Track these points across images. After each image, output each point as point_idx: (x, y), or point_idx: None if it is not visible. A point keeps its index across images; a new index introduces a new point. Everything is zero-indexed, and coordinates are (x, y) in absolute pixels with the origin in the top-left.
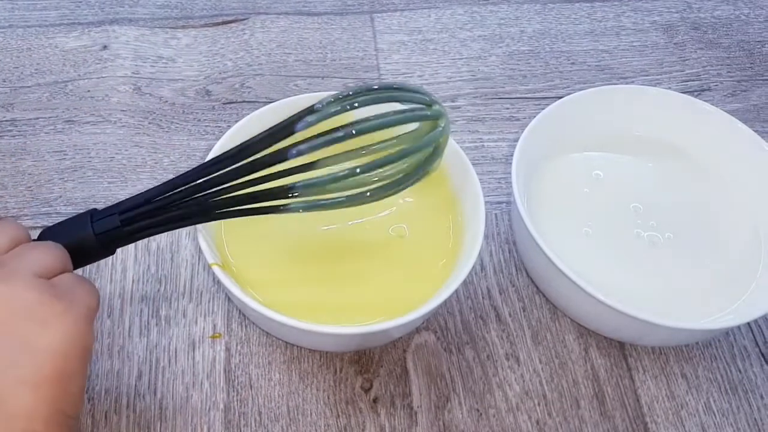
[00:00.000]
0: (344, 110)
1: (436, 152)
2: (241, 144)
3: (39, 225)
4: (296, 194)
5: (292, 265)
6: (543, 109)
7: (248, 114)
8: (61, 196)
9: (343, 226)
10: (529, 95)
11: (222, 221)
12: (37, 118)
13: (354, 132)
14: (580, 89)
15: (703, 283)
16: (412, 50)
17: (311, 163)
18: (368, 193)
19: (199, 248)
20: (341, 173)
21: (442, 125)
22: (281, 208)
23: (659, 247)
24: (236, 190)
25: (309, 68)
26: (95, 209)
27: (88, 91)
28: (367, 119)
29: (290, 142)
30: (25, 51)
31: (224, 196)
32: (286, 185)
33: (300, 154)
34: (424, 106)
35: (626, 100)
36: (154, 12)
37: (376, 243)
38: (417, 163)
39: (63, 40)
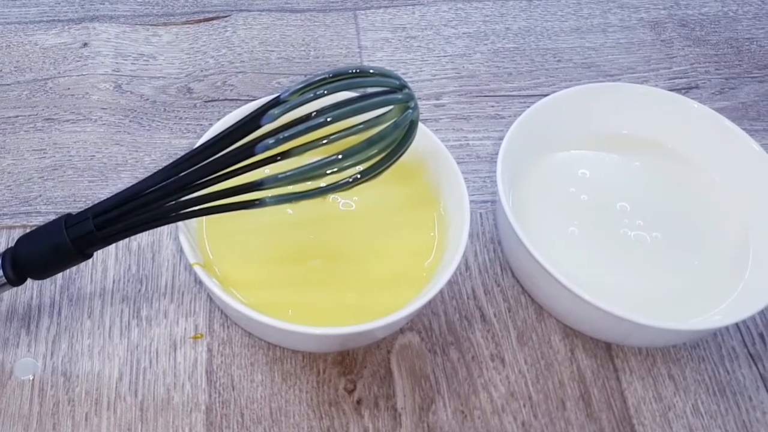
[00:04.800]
0: (312, 99)
1: (410, 132)
2: (206, 142)
3: (19, 225)
4: (267, 188)
5: (275, 265)
6: (528, 107)
7: (230, 112)
8: (41, 195)
9: (327, 225)
10: (514, 93)
11: (203, 220)
12: (17, 116)
13: (329, 120)
14: (566, 87)
15: (691, 283)
16: (396, 47)
17: (285, 152)
18: (346, 181)
19: (181, 248)
20: (313, 165)
21: (412, 106)
22: (256, 202)
23: (646, 247)
24: (207, 187)
25: (292, 66)
26: (70, 214)
27: (69, 88)
28: (337, 105)
29: (260, 134)
30: (4, 48)
31: (194, 195)
32: (254, 181)
33: (268, 148)
34: (394, 89)
35: (613, 98)
36: (134, 9)
37: (361, 243)
38: (392, 145)
39: (43, 37)
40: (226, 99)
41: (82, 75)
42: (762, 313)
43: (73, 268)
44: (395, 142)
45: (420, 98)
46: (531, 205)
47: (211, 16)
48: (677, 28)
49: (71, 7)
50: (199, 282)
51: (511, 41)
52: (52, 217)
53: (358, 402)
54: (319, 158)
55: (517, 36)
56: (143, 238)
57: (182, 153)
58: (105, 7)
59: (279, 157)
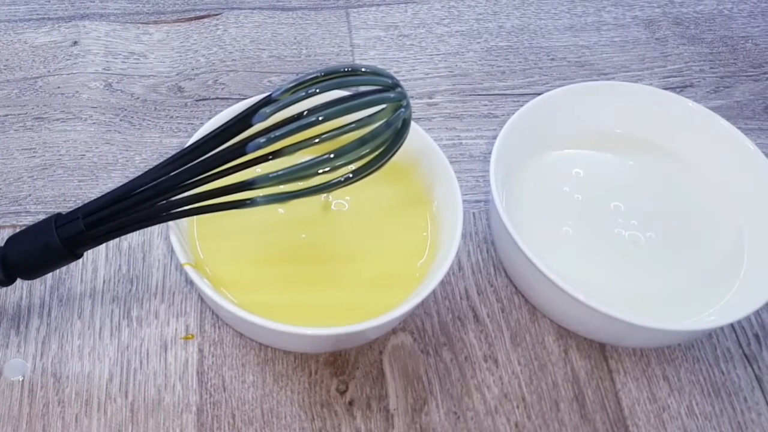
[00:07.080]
0: (304, 98)
1: (403, 131)
2: (197, 141)
3: (8, 224)
4: (258, 187)
5: (266, 265)
6: (522, 105)
7: (221, 111)
8: (30, 195)
9: (319, 225)
10: (507, 92)
11: (194, 220)
12: (6, 116)
13: (321, 118)
14: (560, 85)
15: (686, 284)
16: (388, 46)
17: (277, 151)
18: (338, 180)
19: (171, 248)
20: (305, 164)
21: (405, 105)
22: (247, 202)
23: (641, 247)
24: (198, 186)
25: (283, 64)
26: (60, 214)
27: (59, 87)
28: (329, 104)
29: (251, 133)
30: None
31: (185, 195)
32: (245, 180)
33: (259, 147)
34: (387, 88)
35: (607, 96)
36: (125, 7)
37: (353, 243)
38: (385, 144)
39: (32, 36)
40: (217, 98)
41: (72, 74)
42: (757, 313)
43: (63, 268)
44: (387, 141)
45: (412, 97)
46: (524, 204)
47: (202, 14)
48: (672, 27)
49: (61, 5)
50: (189, 282)
51: (504, 39)
52: (42, 216)
53: (350, 403)
54: (310, 157)
55: (510, 34)
56: (134, 237)
57: (173, 152)
58: (95, 5)
59: (270, 156)
